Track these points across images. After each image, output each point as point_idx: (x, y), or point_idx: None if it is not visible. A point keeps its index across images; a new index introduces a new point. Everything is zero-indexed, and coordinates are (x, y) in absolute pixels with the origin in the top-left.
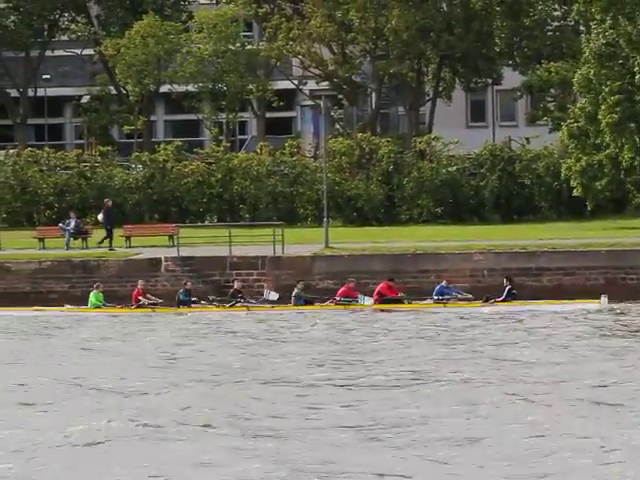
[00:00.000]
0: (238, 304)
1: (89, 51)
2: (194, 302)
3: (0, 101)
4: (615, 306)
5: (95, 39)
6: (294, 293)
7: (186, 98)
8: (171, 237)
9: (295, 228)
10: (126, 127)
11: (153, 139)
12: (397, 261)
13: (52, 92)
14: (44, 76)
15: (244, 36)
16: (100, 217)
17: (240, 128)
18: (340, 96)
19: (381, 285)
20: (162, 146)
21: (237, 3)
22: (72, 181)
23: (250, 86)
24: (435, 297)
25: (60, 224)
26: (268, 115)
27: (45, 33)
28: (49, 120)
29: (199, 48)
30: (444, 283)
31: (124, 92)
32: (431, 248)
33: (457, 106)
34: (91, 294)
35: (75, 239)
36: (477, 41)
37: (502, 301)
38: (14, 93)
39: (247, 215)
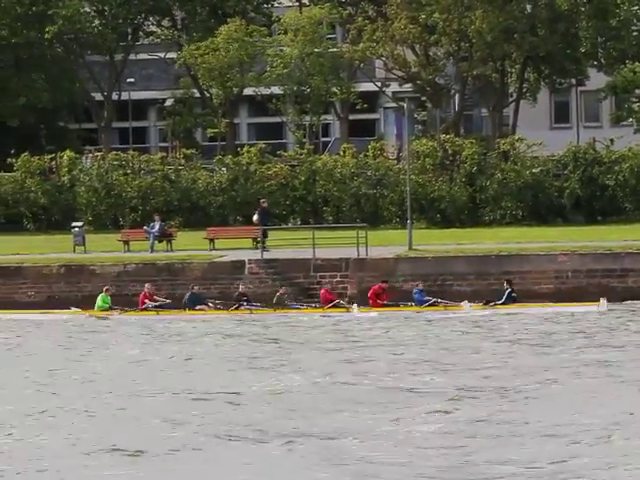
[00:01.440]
0: (241, 307)
1: (173, 54)
2: (204, 303)
3: (85, 105)
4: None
5: (179, 43)
6: (277, 295)
7: (270, 101)
8: (255, 240)
9: (378, 230)
10: (210, 130)
11: (237, 142)
12: (481, 263)
13: (136, 95)
14: (128, 80)
15: (328, 38)
16: (255, 218)
17: (323, 130)
18: (423, 98)
19: (374, 287)
20: (246, 149)
21: (322, 6)
22: (156, 184)
23: (334, 88)
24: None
25: (145, 227)
26: (351, 117)
27: (129, 37)
28: (133, 123)
29: (282, 51)
30: (420, 287)
31: (208, 95)
32: (515, 249)
33: (541, 107)
34: (99, 297)
35: (159, 242)
36: (562, 42)
37: (502, 304)
38: (99, 97)
39: (330, 217)
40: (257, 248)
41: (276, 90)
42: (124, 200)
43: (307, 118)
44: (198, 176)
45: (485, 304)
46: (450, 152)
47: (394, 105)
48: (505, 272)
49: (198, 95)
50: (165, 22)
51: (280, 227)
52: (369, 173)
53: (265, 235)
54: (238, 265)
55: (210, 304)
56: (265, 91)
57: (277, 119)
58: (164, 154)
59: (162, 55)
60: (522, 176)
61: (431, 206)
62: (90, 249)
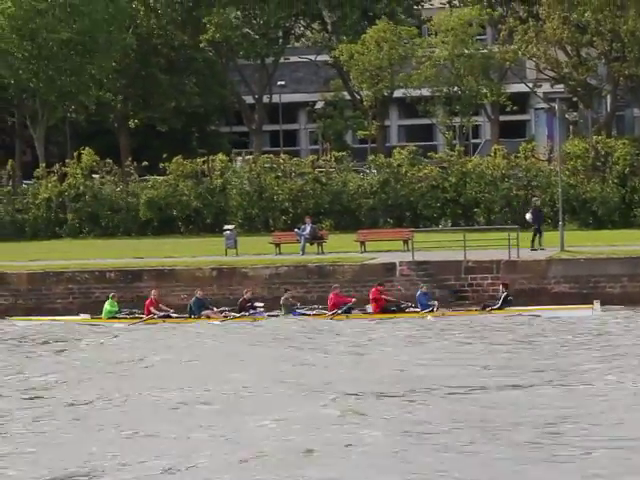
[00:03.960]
0: (247, 314)
1: (323, 57)
2: (209, 308)
3: (236, 108)
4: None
5: (329, 45)
6: (281, 301)
7: (420, 102)
8: (406, 242)
9: (530, 232)
10: (360, 132)
11: (387, 144)
12: (634, 265)
13: (287, 98)
14: (279, 82)
15: (478, 39)
16: (528, 216)
17: (474, 132)
18: (575, 99)
19: (372, 291)
20: (396, 151)
21: (473, 7)
22: (307, 187)
23: (484, 90)
24: (421, 305)
25: (296, 230)
26: (502, 118)
27: (280, 41)
28: (284, 126)
29: (433, 52)
30: (424, 289)
31: (358, 97)
32: None
33: None
34: (106, 303)
35: (310, 244)
36: None
37: (498, 308)
38: (250, 100)
39: (481, 219)
40: (408, 250)
41: (426, 92)
42: (275, 203)
43: (457, 120)
44: (349, 179)
45: (482, 309)
46: (602, 153)
47: (545, 106)
48: None
49: (348, 97)
50: (315, 25)
51: (431, 229)
52: (520, 174)
53: (540, 233)
54: (389, 267)
55: (215, 309)
56: (415, 93)
57: (427, 121)
58: (315, 157)
59: (312, 58)
60: None
61: (583, 207)
62: (242, 252)
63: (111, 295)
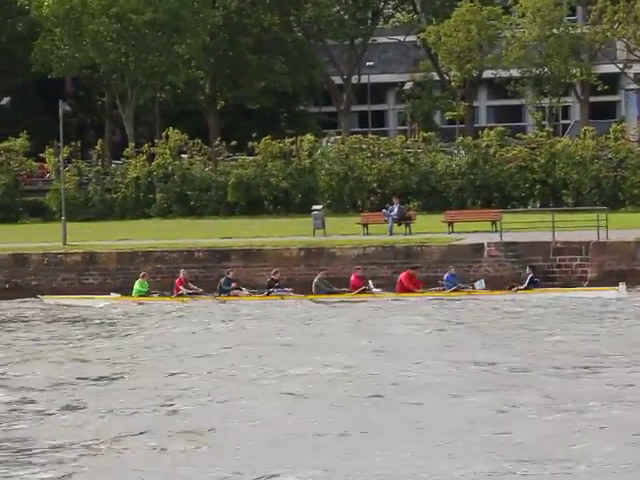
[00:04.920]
0: (273, 293)
1: (412, 38)
2: (239, 288)
3: (325, 88)
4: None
5: (418, 26)
6: (315, 282)
7: (509, 83)
8: (494, 223)
9: (619, 213)
10: (448, 113)
11: (475, 125)
12: None
13: (375, 79)
14: (367, 63)
15: (567, 20)
16: None
17: (563, 113)
18: None
19: (402, 275)
20: (485, 131)
21: None
22: (395, 167)
23: (573, 70)
24: (448, 286)
25: (384, 210)
26: (592, 99)
27: (369, 21)
28: (372, 107)
29: (523, 32)
30: (452, 271)
31: (447, 78)
32: None
33: None
34: (136, 282)
35: (398, 225)
36: None
37: (525, 289)
38: (338, 80)
39: (570, 200)
40: (496, 231)
41: (515, 73)
42: (363, 183)
43: (546, 100)
44: (437, 159)
45: (509, 289)
46: None
47: (636, 87)
48: None
49: (437, 78)
50: (405, 5)
51: (519, 210)
52: (609, 155)
53: None
54: (477, 248)
55: (244, 289)
56: (504, 73)
57: (516, 102)
58: (403, 137)
59: (401, 39)
60: None
61: None
62: (329, 232)
63: (141, 274)
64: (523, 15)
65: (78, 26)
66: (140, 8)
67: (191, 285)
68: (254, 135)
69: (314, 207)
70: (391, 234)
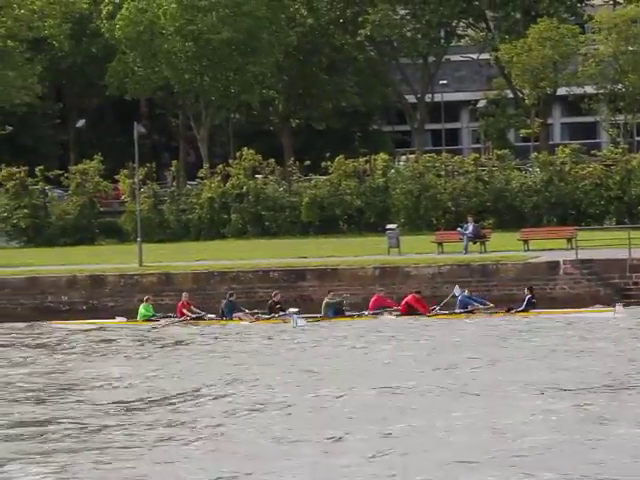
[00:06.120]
0: (276, 316)
1: (485, 56)
2: (241, 311)
3: (398, 107)
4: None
5: (491, 44)
6: (324, 302)
7: (583, 100)
8: (569, 240)
9: None
10: (522, 130)
11: (550, 142)
12: None
13: (449, 97)
14: (441, 81)
15: None
16: None
17: (638, 129)
18: None
19: (408, 297)
20: (559, 148)
21: (637, 3)
22: (470, 185)
23: None
24: (460, 308)
25: (458, 228)
26: None
27: (442, 40)
28: (446, 125)
29: (597, 49)
30: (466, 292)
31: (520, 95)
32: None
33: None
34: (141, 306)
35: (473, 243)
36: None
37: (522, 311)
38: (412, 99)
39: None
40: (572, 248)
41: (589, 89)
42: (438, 202)
43: (621, 117)
44: (512, 177)
45: (507, 311)
46: None
47: None
48: None
49: (511, 95)
50: (478, 24)
51: (595, 227)
52: None
53: None
54: (552, 265)
55: (247, 311)
56: (578, 90)
57: (591, 118)
58: (477, 155)
59: (474, 56)
60: None
61: None
62: (404, 251)
63: (145, 298)
64: (599, 31)
65: (151, 47)
66: (217, 27)
67: (194, 308)
68: (327, 155)
69: (388, 226)
70: (466, 252)
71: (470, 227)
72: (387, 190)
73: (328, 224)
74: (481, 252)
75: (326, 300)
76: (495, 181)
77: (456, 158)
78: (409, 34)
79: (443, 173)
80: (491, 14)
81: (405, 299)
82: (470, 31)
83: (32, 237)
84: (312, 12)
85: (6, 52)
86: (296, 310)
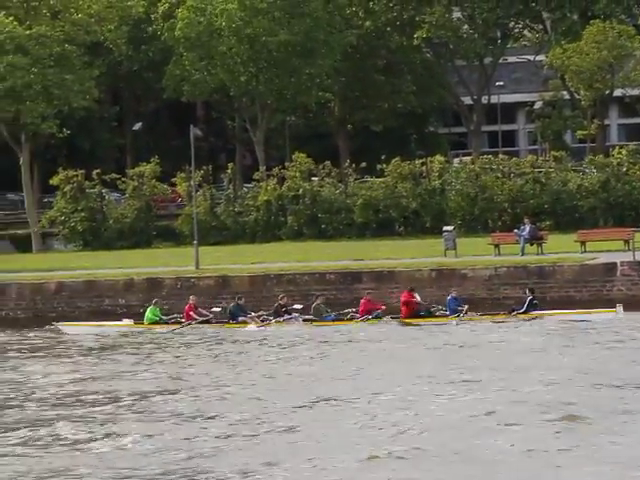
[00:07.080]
0: (281, 320)
1: (542, 57)
2: (248, 314)
3: (455, 109)
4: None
5: (547, 45)
6: (313, 306)
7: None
8: (627, 242)
9: None
10: (579, 132)
11: (607, 143)
12: None
13: (505, 99)
14: (497, 83)
15: None
16: None
17: None
18: None
19: (403, 294)
20: (616, 150)
21: None
22: (526, 187)
23: None
24: (450, 310)
25: (515, 230)
26: None
27: (498, 41)
28: (502, 127)
29: None
30: (454, 294)
31: (577, 97)
32: None
33: None
34: (148, 309)
35: (530, 245)
36: None
37: (524, 312)
38: (468, 101)
39: None
40: (629, 250)
41: None
42: (494, 203)
43: None
44: (568, 178)
45: (509, 313)
46: None
47: None
48: None
49: (567, 97)
50: (535, 25)
51: None
52: None
53: None
54: (610, 267)
55: (253, 314)
56: (635, 92)
57: None
58: (534, 156)
59: (531, 58)
60: None
61: None
62: (461, 253)
63: (154, 301)
64: None
65: (208, 49)
66: (274, 29)
67: (201, 311)
68: (383, 157)
69: (445, 228)
70: (523, 254)
71: (527, 229)
72: (443, 192)
73: (384, 226)
74: (538, 254)
75: (315, 304)
76: (552, 183)
77: (513, 160)
78: (465, 35)
79: (500, 175)
80: (548, 15)
81: (402, 299)
82: (527, 32)
83: (89, 240)
84: (369, 14)
85: (64, 56)
86: (300, 307)
